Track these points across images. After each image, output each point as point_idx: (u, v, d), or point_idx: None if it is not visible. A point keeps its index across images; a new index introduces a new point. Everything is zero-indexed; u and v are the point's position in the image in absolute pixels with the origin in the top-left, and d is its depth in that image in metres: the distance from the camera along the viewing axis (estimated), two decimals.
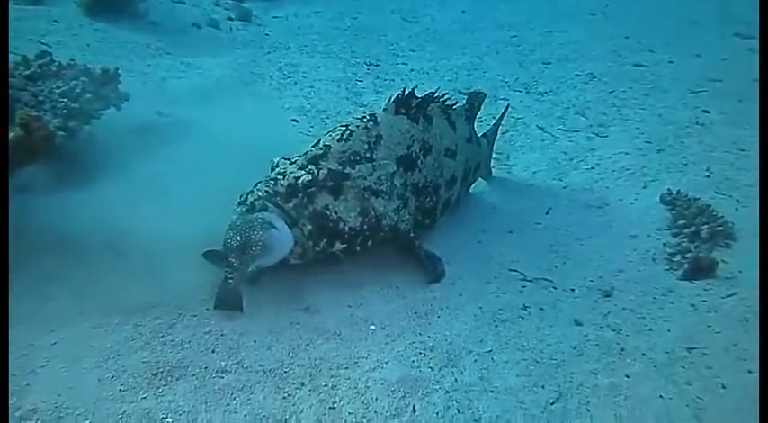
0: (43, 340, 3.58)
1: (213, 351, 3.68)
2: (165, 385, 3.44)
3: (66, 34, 7.30)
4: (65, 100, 4.78)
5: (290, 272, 4.25)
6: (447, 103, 5.09)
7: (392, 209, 4.50)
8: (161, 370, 3.51)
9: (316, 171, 4.24)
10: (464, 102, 5.52)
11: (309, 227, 4.13)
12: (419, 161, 4.72)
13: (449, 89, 7.40)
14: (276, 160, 4.36)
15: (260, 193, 4.09)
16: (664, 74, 8.84)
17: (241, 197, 4.12)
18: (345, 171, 4.34)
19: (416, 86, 4.92)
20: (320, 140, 4.53)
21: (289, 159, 4.36)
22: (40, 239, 4.11)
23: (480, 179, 5.89)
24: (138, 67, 7.00)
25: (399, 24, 10.00)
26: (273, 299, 4.10)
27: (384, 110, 4.77)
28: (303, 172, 4.22)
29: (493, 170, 6.15)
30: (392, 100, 4.77)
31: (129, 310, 3.84)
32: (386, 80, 8.02)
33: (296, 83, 7.56)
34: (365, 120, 4.62)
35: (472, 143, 5.41)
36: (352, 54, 8.64)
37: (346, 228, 4.27)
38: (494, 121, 6.27)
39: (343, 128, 4.55)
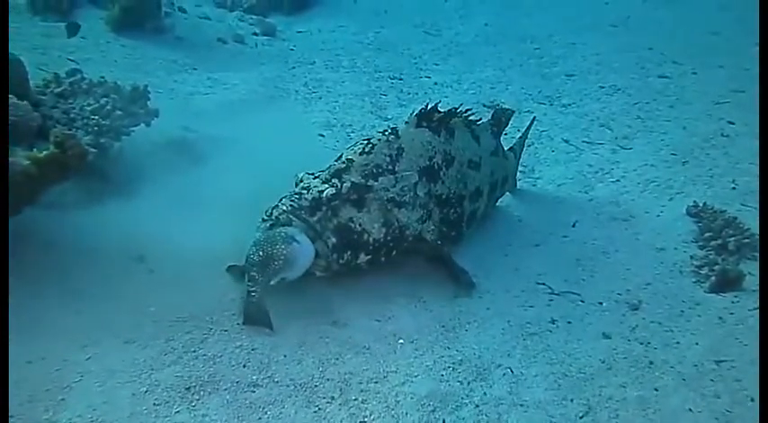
0: (77, 355, 3.62)
1: (244, 365, 3.72)
2: (197, 399, 3.47)
3: (95, 51, 7.38)
4: (96, 117, 4.86)
5: (318, 286, 4.29)
6: (470, 117, 5.11)
7: (415, 219, 4.55)
8: (193, 384, 3.55)
9: (339, 184, 4.30)
10: (490, 116, 5.55)
11: (334, 240, 4.19)
12: (441, 172, 4.75)
13: (472, 102, 7.52)
14: (300, 175, 4.41)
15: (284, 208, 4.15)
16: (687, 85, 8.79)
17: (266, 213, 4.17)
18: (368, 184, 4.41)
19: (440, 101, 4.95)
20: (342, 155, 4.59)
21: (312, 174, 4.42)
22: (71, 255, 4.18)
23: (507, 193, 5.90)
24: (166, 82, 7.07)
25: (422, 38, 10.01)
26: (302, 313, 4.13)
27: (406, 123, 4.80)
28: (327, 186, 4.28)
29: (518, 182, 6.17)
30: (414, 114, 4.81)
31: (161, 324, 3.88)
32: (409, 94, 8.04)
33: (321, 97, 7.60)
34: (386, 133, 4.66)
35: (498, 157, 5.44)
36: (376, 68, 8.66)
37: (371, 239, 4.33)
38: (519, 134, 6.28)
39: (365, 142, 4.61)
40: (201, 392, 3.52)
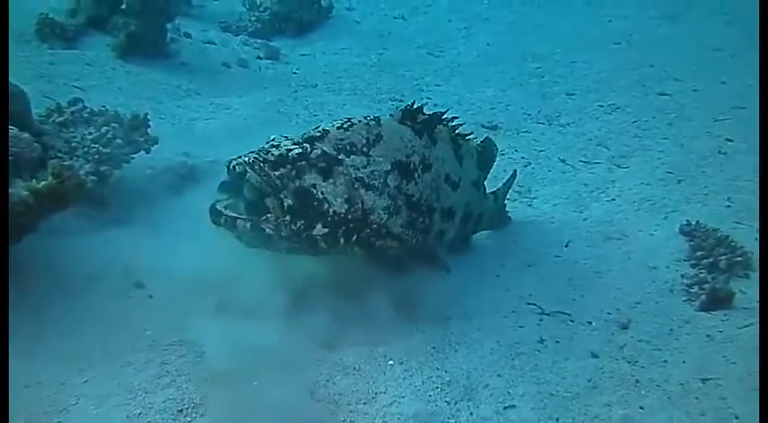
0: (74, 379, 3.72)
1: (236, 388, 3.77)
2: (189, 421, 3.57)
3: (100, 77, 7.52)
4: (96, 145, 4.99)
5: (309, 308, 4.33)
6: (455, 129, 5.03)
7: (382, 206, 4.38)
8: (186, 407, 3.64)
9: (309, 149, 4.23)
10: (479, 142, 5.43)
11: (290, 201, 4.09)
12: (416, 173, 4.60)
13: (471, 123, 7.53)
14: (273, 137, 4.36)
15: (245, 159, 4.09)
16: (688, 102, 8.87)
17: (227, 163, 4.14)
18: (339, 157, 4.29)
19: (426, 102, 4.99)
20: (320, 126, 4.52)
21: (286, 137, 4.34)
22: (71, 280, 4.29)
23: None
24: (169, 108, 7.19)
25: (425, 59, 10.14)
26: (293, 335, 4.17)
27: (391, 116, 4.80)
28: (296, 146, 4.22)
29: (515, 202, 6.26)
30: (400, 109, 4.79)
31: (157, 348, 3.99)
32: None
33: (322, 121, 7.60)
34: (368, 118, 4.57)
35: (479, 191, 5.41)
36: (378, 90, 8.78)
37: (330, 210, 4.17)
38: (503, 182, 6.11)
39: (346, 119, 4.53)
40: (194, 414, 3.61)
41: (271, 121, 7.35)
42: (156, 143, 5.33)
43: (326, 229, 4.19)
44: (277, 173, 4.07)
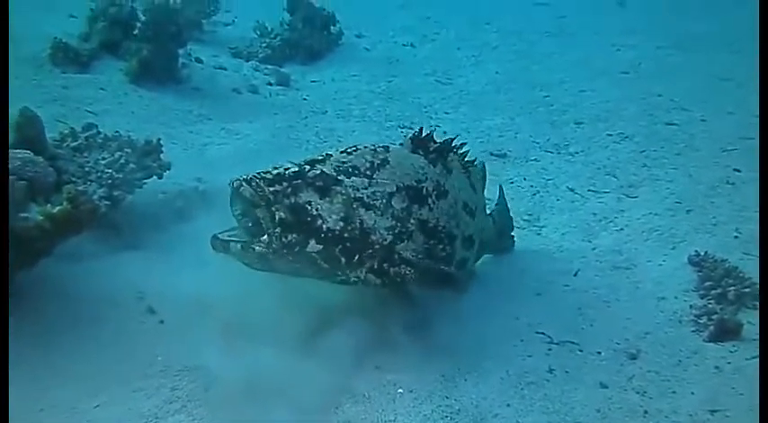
0: (86, 404, 3.73)
1: (246, 413, 3.80)
2: None
3: (113, 102, 7.59)
4: (110, 170, 5.03)
5: (320, 333, 4.31)
6: (464, 155, 5.05)
7: (385, 226, 4.32)
8: None
9: (308, 169, 4.24)
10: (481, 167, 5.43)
11: (283, 214, 4.06)
12: (430, 199, 4.54)
13: (480, 151, 7.65)
14: (280, 163, 4.34)
15: (243, 177, 4.12)
16: (696, 132, 8.89)
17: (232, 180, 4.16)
18: (339, 178, 4.28)
19: (434, 129, 4.97)
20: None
21: (291, 162, 4.34)
22: (84, 305, 4.31)
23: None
24: (181, 133, 7.25)
25: (433, 86, 10.20)
26: (303, 361, 4.14)
27: (400, 144, 4.81)
28: (294, 166, 4.25)
29: (524, 230, 6.29)
30: (408, 137, 4.79)
31: (168, 373, 4.00)
32: None
33: (332, 147, 7.66)
34: (376, 145, 4.58)
35: (485, 215, 5.44)
36: (387, 117, 8.84)
37: (324, 227, 4.12)
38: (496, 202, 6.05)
39: (353, 146, 4.55)
40: None
41: (281, 146, 7.40)
42: (169, 169, 5.37)
43: (320, 246, 4.14)
44: (272, 188, 4.09)
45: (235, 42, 10.63)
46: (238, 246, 4.13)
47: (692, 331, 5.12)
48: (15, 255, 3.95)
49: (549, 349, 4.77)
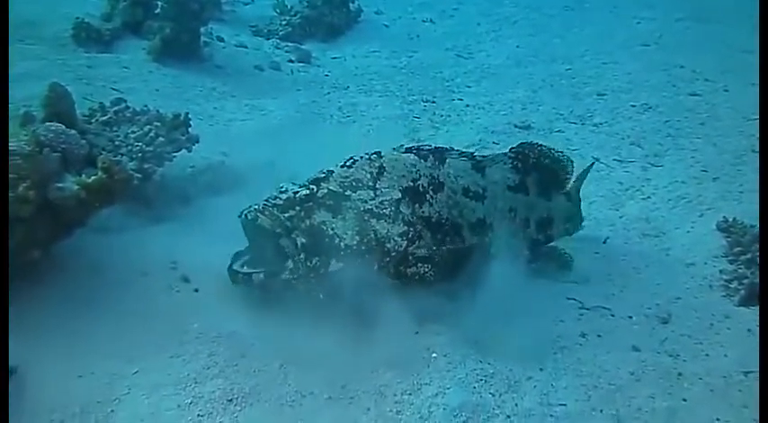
0: (125, 370, 3.75)
1: (284, 379, 3.85)
2: (239, 410, 3.62)
3: (137, 80, 7.61)
4: (140, 144, 5.05)
5: (350, 301, 4.30)
6: (464, 152, 5.02)
7: (398, 233, 4.47)
8: (236, 396, 3.68)
9: (315, 189, 4.38)
10: (508, 149, 5.29)
11: (303, 240, 4.22)
12: (427, 195, 4.65)
13: (504, 123, 7.67)
14: (283, 185, 4.48)
15: (255, 207, 4.24)
16: (719, 102, 8.88)
17: (241, 213, 4.28)
18: (346, 193, 4.44)
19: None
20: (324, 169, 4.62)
21: (294, 184, 4.48)
22: (119, 275, 4.34)
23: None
24: (205, 109, 7.28)
25: (454, 61, 10.17)
26: (337, 328, 4.19)
27: (393, 149, 4.83)
28: (303, 188, 4.38)
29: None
30: (404, 147, 4.87)
31: (204, 340, 4.02)
32: (442, 116, 8.17)
33: (355, 121, 7.76)
34: (369, 154, 4.69)
35: (528, 195, 5.22)
36: (409, 91, 8.82)
37: (342, 244, 4.29)
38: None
39: (349, 158, 4.65)
40: (243, 404, 3.65)
41: (305, 121, 7.42)
42: (197, 142, 5.39)
43: (341, 264, 4.29)
44: (286, 215, 4.24)
45: (254, 21, 10.61)
46: (261, 276, 4.24)
47: (723, 296, 5.16)
48: (51, 226, 3.98)
49: (581, 314, 4.80)
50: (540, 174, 5.29)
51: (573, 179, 5.63)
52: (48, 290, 3.99)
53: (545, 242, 5.35)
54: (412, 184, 4.62)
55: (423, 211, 4.60)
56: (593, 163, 6.20)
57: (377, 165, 4.61)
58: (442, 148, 4.95)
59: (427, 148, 4.88)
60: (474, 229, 4.83)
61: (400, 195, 4.54)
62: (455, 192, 4.79)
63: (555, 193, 5.44)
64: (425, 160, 4.77)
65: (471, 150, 5.13)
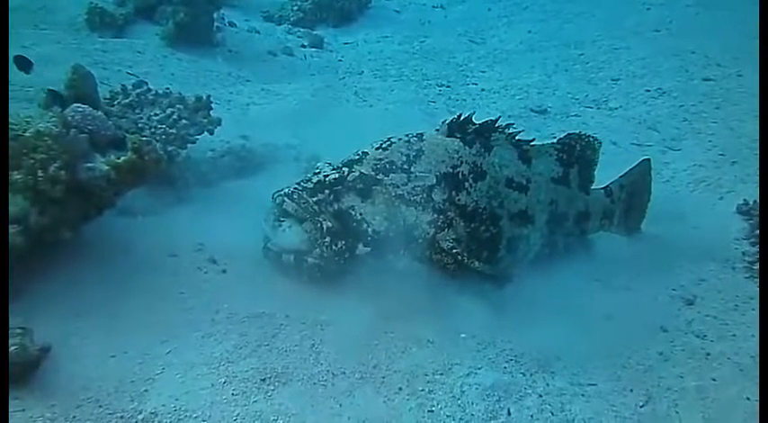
0: (157, 350, 3.75)
1: (316, 358, 3.85)
2: (273, 390, 3.62)
3: (153, 65, 7.59)
4: (163, 126, 5.04)
5: (379, 282, 4.36)
6: (511, 132, 4.88)
7: (427, 221, 4.44)
8: (269, 375, 3.68)
9: (346, 172, 4.36)
10: (556, 141, 5.25)
11: (330, 224, 4.22)
12: (467, 183, 4.59)
13: (520, 107, 7.65)
14: (319, 165, 4.50)
15: (285, 190, 4.26)
16: (732, 87, 8.86)
17: (274, 194, 4.30)
18: (378, 177, 4.39)
19: (474, 112, 4.82)
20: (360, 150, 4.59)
21: (330, 164, 4.47)
22: (148, 257, 4.34)
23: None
24: (222, 94, 7.25)
25: (467, 46, 10.16)
26: (366, 310, 4.21)
27: (436, 130, 4.78)
28: (334, 172, 4.36)
29: None
30: (446, 122, 4.76)
31: (235, 320, 4.02)
32: (458, 100, 8.19)
33: (371, 106, 7.75)
34: (410, 135, 4.63)
35: (569, 187, 5.19)
36: (424, 76, 8.83)
37: (369, 230, 4.29)
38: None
39: (386, 139, 4.60)
40: (276, 383, 3.65)
41: (322, 105, 7.39)
42: (219, 124, 5.37)
43: (368, 249, 4.32)
44: (315, 199, 4.24)
45: (266, 6, 10.63)
46: (291, 257, 4.28)
47: (746, 277, 5.15)
48: (81, 207, 3.97)
49: (607, 296, 4.78)
50: (582, 166, 5.27)
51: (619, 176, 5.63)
52: (81, 271, 3.97)
53: (579, 236, 5.35)
54: (451, 170, 4.56)
55: (459, 199, 4.56)
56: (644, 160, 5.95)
57: (416, 148, 4.55)
58: (490, 126, 4.80)
59: (472, 128, 4.75)
60: (514, 219, 4.80)
61: (435, 181, 4.49)
62: (498, 182, 4.74)
63: (593, 188, 5.41)
64: (470, 147, 4.69)
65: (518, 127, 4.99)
